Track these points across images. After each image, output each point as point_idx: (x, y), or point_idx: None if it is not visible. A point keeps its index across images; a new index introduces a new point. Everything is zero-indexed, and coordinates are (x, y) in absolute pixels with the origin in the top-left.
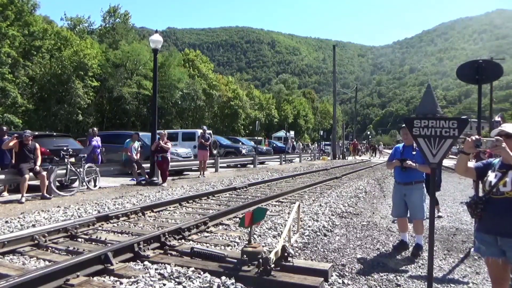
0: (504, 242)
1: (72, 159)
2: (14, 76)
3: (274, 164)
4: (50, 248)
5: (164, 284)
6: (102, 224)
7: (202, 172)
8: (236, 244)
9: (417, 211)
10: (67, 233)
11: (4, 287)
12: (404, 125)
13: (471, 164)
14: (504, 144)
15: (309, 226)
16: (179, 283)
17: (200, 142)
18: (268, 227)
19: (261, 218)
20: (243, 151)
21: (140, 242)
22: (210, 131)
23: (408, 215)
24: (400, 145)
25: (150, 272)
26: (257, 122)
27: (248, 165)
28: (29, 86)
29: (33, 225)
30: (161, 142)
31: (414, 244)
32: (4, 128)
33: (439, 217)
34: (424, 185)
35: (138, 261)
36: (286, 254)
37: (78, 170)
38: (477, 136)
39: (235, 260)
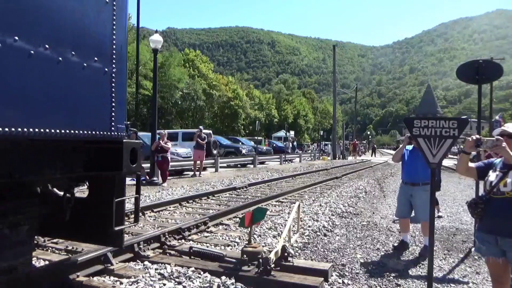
0: (504, 242)
1: None
2: None
3: (274, 164)
4: (50, 248)
5: (164, 284)
6: None
7: (199, 171)
8: (236, 244)
9: (425, 212)
10: None
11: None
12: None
13: (472, 163)
14: (504, 144)
15: (309, 226)
16: (179, 283)
17: (196, 141)
18: (268, 227)
19: (261, 218)
20: (243, 151)
21: (140, 242)
22: (210, 131)
23: (411, 215)
24: (410, 146)
25: (150, 272)
26: (257, 122)
27: (248, 165)
28: None
29: None
30: (161, 142)
31: (422, 246)
32: None
33: (439, 217)
34: None
35: (138, 261)
36: (286, 254)
37: None
38: (477, 136)
39: (235, 260)
